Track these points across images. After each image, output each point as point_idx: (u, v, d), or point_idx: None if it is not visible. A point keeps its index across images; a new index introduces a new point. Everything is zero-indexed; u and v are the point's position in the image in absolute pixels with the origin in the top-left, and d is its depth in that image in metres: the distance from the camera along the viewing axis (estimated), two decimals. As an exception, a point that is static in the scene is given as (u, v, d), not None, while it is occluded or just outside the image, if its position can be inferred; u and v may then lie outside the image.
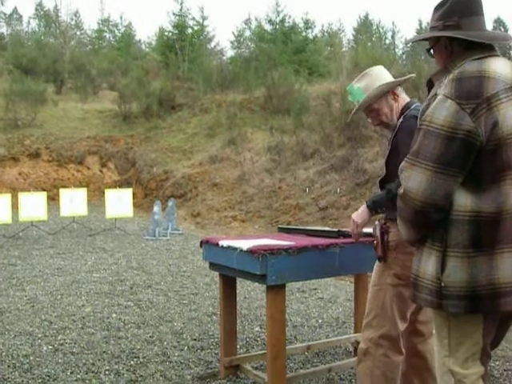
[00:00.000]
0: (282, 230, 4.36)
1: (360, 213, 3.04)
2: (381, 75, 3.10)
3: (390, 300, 2.94)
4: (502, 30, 43.13)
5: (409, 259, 2.79)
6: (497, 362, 4.35)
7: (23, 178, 18.66)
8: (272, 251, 3.21)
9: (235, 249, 3.40)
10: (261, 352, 4.21)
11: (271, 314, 3.35)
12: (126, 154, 19.58)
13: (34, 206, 11.94)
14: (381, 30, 55.86)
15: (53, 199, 15.48)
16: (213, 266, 3.91)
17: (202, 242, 3.92)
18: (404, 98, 3.09)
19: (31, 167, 19.09)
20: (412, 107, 3.00)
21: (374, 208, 3.00)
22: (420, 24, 54.13)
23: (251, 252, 3.23)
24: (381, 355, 2.93)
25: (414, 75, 3.18)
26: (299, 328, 5.33)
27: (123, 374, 4.11)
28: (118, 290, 6.88)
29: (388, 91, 3.06)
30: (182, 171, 16.80)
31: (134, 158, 19.14)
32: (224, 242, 3.57)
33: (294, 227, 4.57)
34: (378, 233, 2.98)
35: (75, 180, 18.79)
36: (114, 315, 5.74)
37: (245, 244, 3.35)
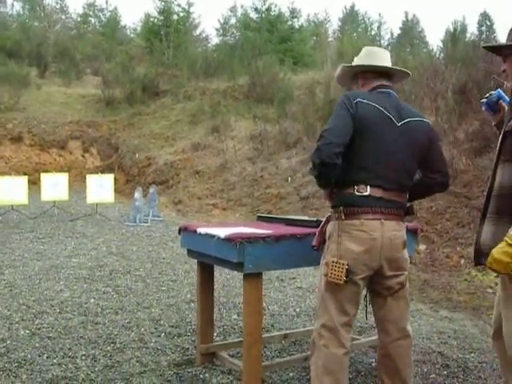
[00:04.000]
0: (260, 218, 4.37)
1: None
2: (361, 58, 3.09)
3: (324, 290, 2.94)
4: (488, 24, 43.30)
5: (338, 249, 2.86)
6: (472, 355, 4.41)
7: (5, 162, 18.49)
8: (249, 239, 3.22)
9: (213, 236, 3.41)
10: (237, 340, 4.23)
11: (248, 302, 3.36)
12: (109, 139, 19.47)
13: (14, 189, 11.84)
14: (367, 21, 55.89)
15: (34, 183, 15.33)
16: (191, 253, 3.91)
17: (180, 229, 3.93)
18: (370, 85, 3.06)
19: (13, 151, 18.91)
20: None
21: (319, 186, 3.07)
22: (406, 16, 54.25)
23: (229, 240, 3.23)
24: (322, 346, 2.92)
25: (373, 65, 3.11)
26: (277, 317, 5.37)
27: (99, 360, 4.11)
28: (96, 275, 6.87)
29: (354, 74, 3.09)
30: (164, 158, 16.74)
31: (116, 143, 19.04)
32: (202, 230, 3.57)
33: (273, 216, 4.58)
34: (322, 222, 3.07)
35: (57, 165, 18.64)
36: (92, 300, 5.73)
37: (222, 232, 3.36)
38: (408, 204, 3.07)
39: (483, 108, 2.96)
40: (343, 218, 2.87)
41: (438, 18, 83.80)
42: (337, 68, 3.20)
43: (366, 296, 3.21)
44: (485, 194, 2.78)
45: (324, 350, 2.92)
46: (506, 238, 2.43)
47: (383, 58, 3.07)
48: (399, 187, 2.94)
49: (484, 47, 2.92)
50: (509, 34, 2.80)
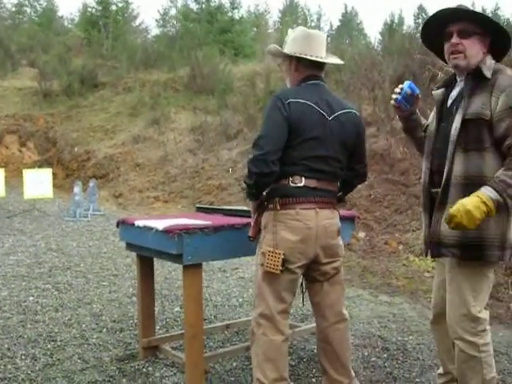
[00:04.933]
0: (200, 209, 4.37)
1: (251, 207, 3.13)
2: (299, 40, 3.05)
3: (261, 279, 2.98)
4: (424, 16, 44.17)
5: (274, 238, 2.90)
6: (410, 337, 4.55)
7: None
8: (188, 231, 3.22)
9: (151, 228, 3.38)
10: (180, 332, 4.22)
11: (188, 293, 3.36)
12: (47, 133, 18.98)
13: None
14: (306, 13, 56.28)
15: (-32, 180, 14.88)
16: (129, 246, 3.88)
17: (118, 223, 3.89)
18: (303, 73, 3.07)
19: None
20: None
21: (250, 198, 3.09)
22: (346, 8, 54.92)
23: (167, 232, 3.22)
24: (261, 334, 2.97)
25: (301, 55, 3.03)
26: (219, 307, 5.38)
27: (40, 358, 4.04)
28: (35, 272, 6.73)
29: (287, 56, 3.08)
30: (104, 151, 16.46)
31: (54, 137, 18.59)
32: (140, 222, 3.55)
33: (212, 207, 4.59)
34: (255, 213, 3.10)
35: (-7, 160, 18.10)
36: (31, 298, 5.62)
37: (161, 224, 3.34)
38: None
39: (394, 103, 2.91)
40: (278, 208, 2.91)
41: (377, 10, 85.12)
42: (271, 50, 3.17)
43: (301, 283, 3.25)
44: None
45: (263, 338, 2.96)
46: (479, 195, 2.45)
47: (320, 45, 3.06)
48: (332, 177, 3.02)
49: (448, 9, 2.74)
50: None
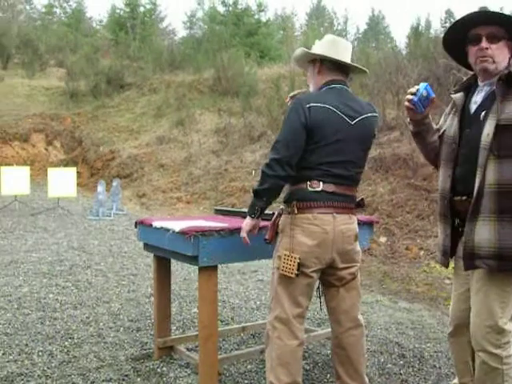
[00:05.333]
0: (218, 211, 4.38)
1: (245, 222, 3.07)
2: (325, 45, 3.07)
3: (277, 282, 2.98)
4: (452, 21, 43.86)
5: (290, 242, 2.88)
6: (428, 344, 4.49)
7: (-35, 156, 18.14)
8: (204, 232, 3.22)
9: (168, 230, 3.40)
10: (195, 333, 4.23)
11: (203, 295, 3.36)
12: (73, 132, 19.20)
13: (-27, 183, 11.65)
14: (333, 16, 56.17)
15: (-5, 177, 15.09)
16: (147, 246, 3.90)
17: (136, 223, 3.91)
18: (325, 76, 3.05)
19: (-26, 144, 18.56)
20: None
21: (252, 213, 3.01)
22: (372, 11, 54.67)
23: (183, 233, 3.23)
24: (275, 338, 2.96)
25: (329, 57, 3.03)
26: (237, 310, 5.38)
27: (56, 355, 4.08)
28: (56, 270, 6.80)
29: (312, 59, 3.09)
30: (128, 151, 16.60)
31: (80, 136, 18.80)
32: (157, 223, 3.56)
33: (230, 209, 4.59)
34: (274, 216, 3.09)
35: (20, 158, 18.31)
36: (50, 296, 5.67)
37: (177, 225, 3.36)
38: (359, 198, 3.13)
39: (409, 105, 2.79)
40: (296, 212, 2.91)
41: (405, 14, 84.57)
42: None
43: (318, 288, 3.24)
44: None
45: (277, 342, 2.95)
46: None
47: (345, 50, 3.07)
48: (351, 182, 3.01)
49: (477, 12, 2.73)
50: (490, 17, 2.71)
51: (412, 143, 9.62)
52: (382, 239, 7.93)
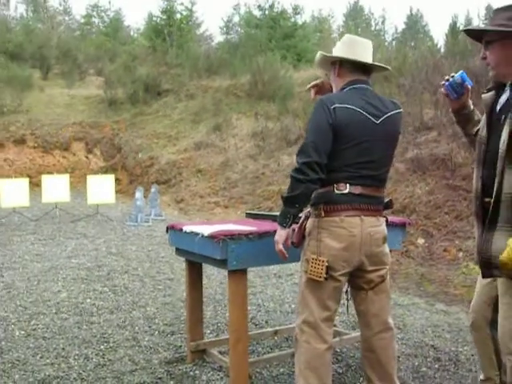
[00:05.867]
0: (249, 215, 4.39)
1: (277, 231, 2.98)
2: (343, 46, 3.05)
3: (304, 286, 2.95)
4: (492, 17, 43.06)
5: (317, 246, 2.86)
6: (465, 348, 4.43)
7: (8, 165, 18.55)
8: (232, 236, 3.24)
9: (197, 234, 3.42)
10: (227, 337, 4.24)
11: (232, 298, 3.38)
12: (112, 139, 19.49)
13: (16, 192, 11.90)
14: (370, 16, 55.81)
15: (38, 185, 15.38)
16: (178, 251, 3.94)
17: (167, 228, 3.95)
18: (346, 77, 3.03)
19: (16, 153, 18.97)
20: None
21: (283, 222, 2.92)
22: (411, 10, 54.13)
23: (212, 237, 3.25)
24: (304, 342, 2.94)
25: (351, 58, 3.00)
26: (271, 313, 5.38)
27: (92, 359, 4.15)
28: (94, 275, 6.91)
29: (332, 62, 3.07)
30: (166, 157, 16.77)
31: (119, 144, 19.07)
32: (187, 228, 3.59)
33: (261, 213, 4.60)
34: (301, 219, 3.04)
35: (60, 166, 18.69)
36: (88, 300, 5.77)
37: (207, 229, 3.38)
38: (387, 199, 3.09)
39: (443, 90, 2.82)
40: (323, 215, 2.88)
41: (444, 12, 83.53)
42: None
43: (347, 291, 3.22)
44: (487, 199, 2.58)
45: (306, 346, 2.94)
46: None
47: (364, 49, 3.04)
48: (378, 183, 2.97)
49: (464, 30, 2.75)
50: (492, 19, 2.70)
51: (450, 143, 9.50)
52: (420, 241, 7.83)
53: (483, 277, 2.63)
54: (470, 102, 2.90)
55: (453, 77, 2.78)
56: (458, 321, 5.17)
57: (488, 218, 2.53)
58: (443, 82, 2.79)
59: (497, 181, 2.49)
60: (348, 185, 2.87)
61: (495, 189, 2.49)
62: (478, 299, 2.96)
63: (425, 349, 4.39)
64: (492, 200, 2.50)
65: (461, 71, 2.79)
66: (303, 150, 2.83)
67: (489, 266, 2.53)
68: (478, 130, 2.80)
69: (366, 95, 2.96)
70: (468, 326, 4.89)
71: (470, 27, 2.74)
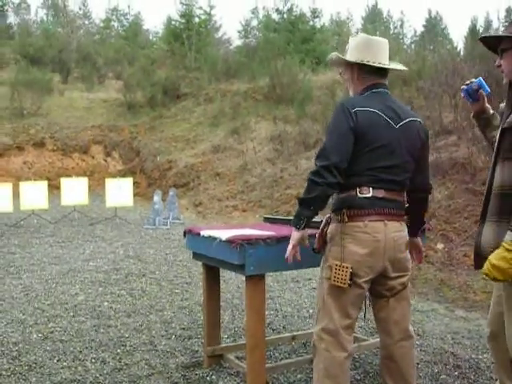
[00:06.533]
0: (267, 219, 4.36)
1: (292, 235, 2.92)
2: (360, 48, 2.99)
3: (326, 293, 2.89)
4: (512, 19, 42.74)
5: (341, 251, 2.82)
6: (485, 355, 4.34)
7: (28, 167, 18.74)
8: (250, 241, 3.21)
9: (215, 238, 3.40)
10: (244, 342, 4.21)
11: (250, 304, 3.35)
12: (131, 143, 19.61)
13: (35, 194, 12.00)
14: (389, 19, 55.59)
15: (57, 188, 15.49)
16: (196, 255, 3.92)
17: (185, 232, 3.93)
18: (366, 81, 2.99)
19: (36, 156, 19.16)
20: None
21: (297, 224, 2.86)
22: (430, 13, 53.80)
23: (229, 242, 3.23)
24: (323, 349, 2.88)
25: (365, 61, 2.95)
26: (289, 318, 5.35)
27: (109, 362, 4.14)
28: (112, 278, 6.92)
29: (349, 64, 3.02)
30: (185, 160, 16.81)
31: (138, 147, 19.16)
32: (205, 232, 3.57)
33: (279, 217, 4.57)
34: (322, 224, 3.00)
35: (79, 169, 18.84)
36: (105, 304, 5.77)
37: (224, 234, 3.36)
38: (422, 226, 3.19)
39: (462, 95, 2.94)
40: (346, 220, 2.83)
41: (463, 14, 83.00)
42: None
43: (365, 297, 3.17)
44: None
45: (325, 354, 2.89)
46: (503, 244, 2.37)
47: (381, 51, 3.00)
48: (400, 187, 2.93)
49: (480, 39, 2.79)
50: (507, 27, 2.74)
51: (470, 147, 9.40)
52: (439, 246, 7.74)
53: (475, 268, 2.70)
54: (489, 106, 2.96)
55: (471, 82, 2.87)
56: (477, 327, 5.09)
57: (480, 213, 2.66)
58: (462, 87, 2.89)
59: (489, 176, 2.61)
60: (371, 188, 2.82)
61: (487, 183, 2.62)
62: (493, 310, 2.92)
63: (444, 356, 4.33)
64: (485, 194, 2.64)
65: (479, 78, 2.88)
66: (322, 153, 2.79)
67: (480, 257, 2.61)
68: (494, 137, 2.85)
69: (386, 99, 2.94)
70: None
71: (485, 35, 2.77)
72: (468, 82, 2.89)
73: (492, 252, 2.47)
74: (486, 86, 2.84)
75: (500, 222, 2.52)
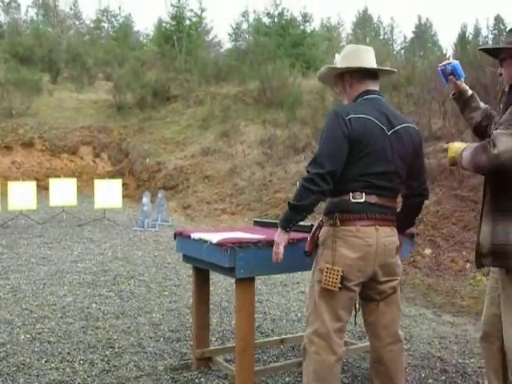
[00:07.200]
0: (257, 223, 4.37)
1: (277, 234, 2.95)
2: (348, 56, 3.05)
3: (317, 296, 2.91)
4: (502, 27, 42.97)
5: (332, 255, 2.84)
6: (472, 360, 4.39)
7: (16, 167, 18.64)
8: (240, 244, 3.22)
9: (205, 241, 3.41)
10: (233, 345, 4.22)
11: (240, 306, 3.36)
12: (120, 144, 19.55)
13: (23, 195, 11.94)
14: (379, 25, 55.79)
15: (45, 189, 15.41)
16: (186, 258, 3.93)
17: (175, 234, 3.94)
18: (358, 87, 3.03)
19: (24, 156, 19.05)
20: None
21: (286, 227, 2.90)
22: (419, 19, 54.06)
23: (220, 245, 3.24)
24: (313, 352, 2.90)
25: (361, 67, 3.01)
26: (277, 321, 5.36)
27: (97, 364, 4.13)
28: (100, 280, 6.90)
29: (339, 74, 3.06)
30: (174, 163, 16.79)
31: (127, 148, 19.12)
32: (196, 235, 3.58)
33: (269, 221, 4.58)
34: (314, 228, 3.03)
35: (68, 170, 18.75)
36: (94, 305, 5.76)
37: (215, 237, 3.37)
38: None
39: (438, 74, 3.13)
40: (338, 224, 2.86)
41: (453, 21, 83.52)
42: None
43: (355, 301, 3.19)
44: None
45: (315, 357, 2.91)
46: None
47: (368, 55, 3.06)
48: (392, 193, 2.96)
49: (481, 49, 3.01)
50: (506, 37, 2.81)
51: (458, 153, 9.45)
52: (427, 251, 7.79)
53: (476, 267, 2.81)
54: (467, 88, 3.12)
55: (449, 63, 3.02)
56: (464, 332, 5.13)
57: (480, 212, 2.79)
58: (440, 65, 3.06)
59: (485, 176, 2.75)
60: (364, 194, 2.85)
61: (484, 183, 2.77)
62: (487, 311, 2.96)
63: (431, 360, 4.36)
64: (482, 194, 2.78)
65: (456, 62, 3.03)
66: (317, 161, 2.81)
67: (479, 255, 2.72)
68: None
69: (379, 105, 2.96)
70: (477, 337, 4.91)
71: (485, 47, 2.98)
72: (445, 62, 3.05)
73: (490, 248, 2.61)
74: (461, 71, 2.99)
75: (496, 218, 2.64)
